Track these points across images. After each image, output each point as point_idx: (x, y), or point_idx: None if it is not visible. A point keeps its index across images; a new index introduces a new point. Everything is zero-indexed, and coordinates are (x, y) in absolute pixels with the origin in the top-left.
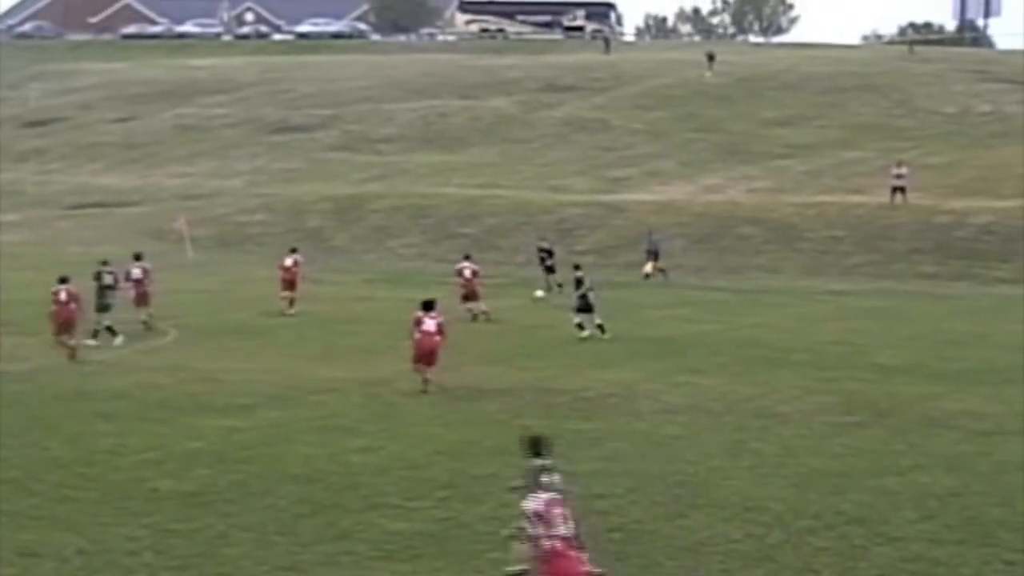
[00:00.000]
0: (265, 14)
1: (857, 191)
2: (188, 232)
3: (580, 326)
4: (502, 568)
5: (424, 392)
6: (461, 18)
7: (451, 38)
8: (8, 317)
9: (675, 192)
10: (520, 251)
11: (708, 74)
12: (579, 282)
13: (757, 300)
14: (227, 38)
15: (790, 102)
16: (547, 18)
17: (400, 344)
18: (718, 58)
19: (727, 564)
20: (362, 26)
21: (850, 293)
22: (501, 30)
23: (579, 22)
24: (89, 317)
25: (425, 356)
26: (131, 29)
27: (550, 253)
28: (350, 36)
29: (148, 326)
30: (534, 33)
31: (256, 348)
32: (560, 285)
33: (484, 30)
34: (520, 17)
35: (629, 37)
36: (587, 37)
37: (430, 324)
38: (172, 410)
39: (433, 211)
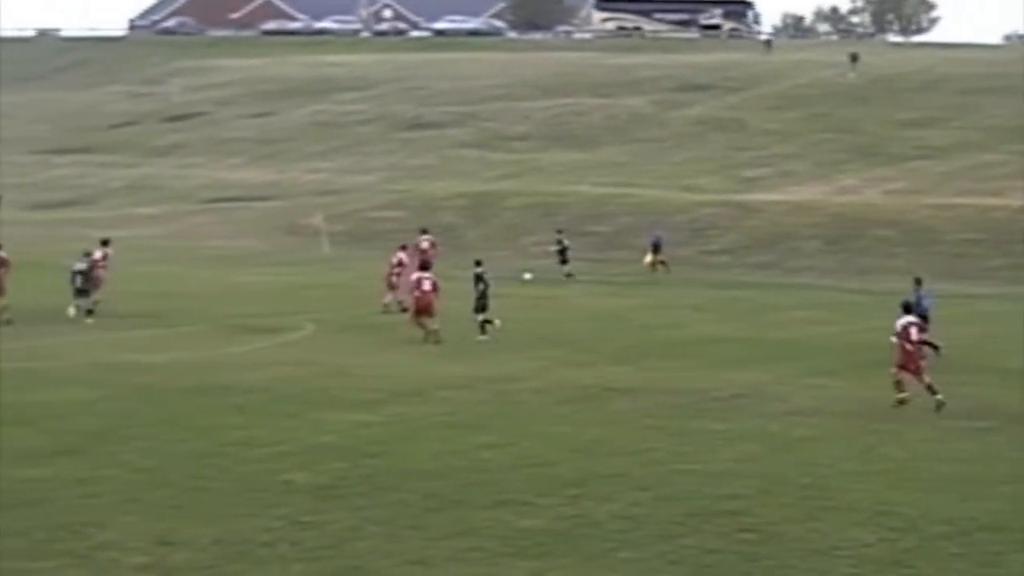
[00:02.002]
0: (403, 11)
1: (995, 194)
2: (325, 228)
3: (485, 323)
4: (634, 568)
5: (426, 342)
6: (597, 16)
7: (587, 36)
8: (146, 309)
9: (809, 193)
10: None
11: (852, 75)
12: (479, 279)
13: (889, 303)
14: (365, 35)
15: (927, 103)
16: (684, 16)
17: (530, 342)
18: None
19: (859, 569)
20: (499, 23)
21: (985, 297)
22: (638, 28)
23: (716, 20)
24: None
25: (425, 310)
26: (271, 25)
27: (562, 244)
28: (486, 33)
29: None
30: (670, 31)
31: (386, 343)
32: (570, 275)
33: (621, 28)
34: (657, 15)
35: (765, 36)
36: (724, 36)
37: (427, 283)
38: (304, 404)
39: (565, 209)
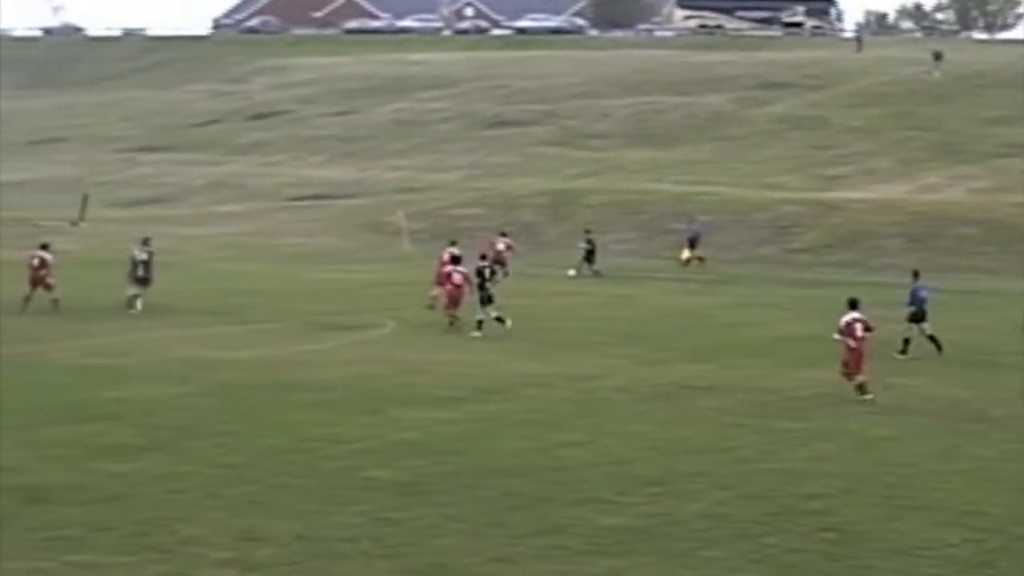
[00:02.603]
0: (485, 9)
1: None
2: (406, 225)
3: (497, 319)
4: (716, 566)
5: (451, 327)
6: (679, 14)
7: (668, 34)
8: (227, 306)
9: (892, 191)
10: (733, 248)
11: (936, 73)
12: (484, 273)
13: (972, 302)
14: (447, 33)
15: (1011, 101)
16: (766, 14)
17: (611, 340)
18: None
19: (943, 570)
20: (580, 21)
21: None
22: (719, 26)
23: (798, 18)
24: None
25: (455, 302)
26: (353, 24)
27: (591, 243)
28: (568, 32)
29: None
30: (752, 29)
31: (466, 341)
32: (598, 272)
33: (702, 26)
34: (739, 13)
35: (848, 33)
36: (806, 34)
37: (458, 277)
38: (385, 401)
39: (646, 207)
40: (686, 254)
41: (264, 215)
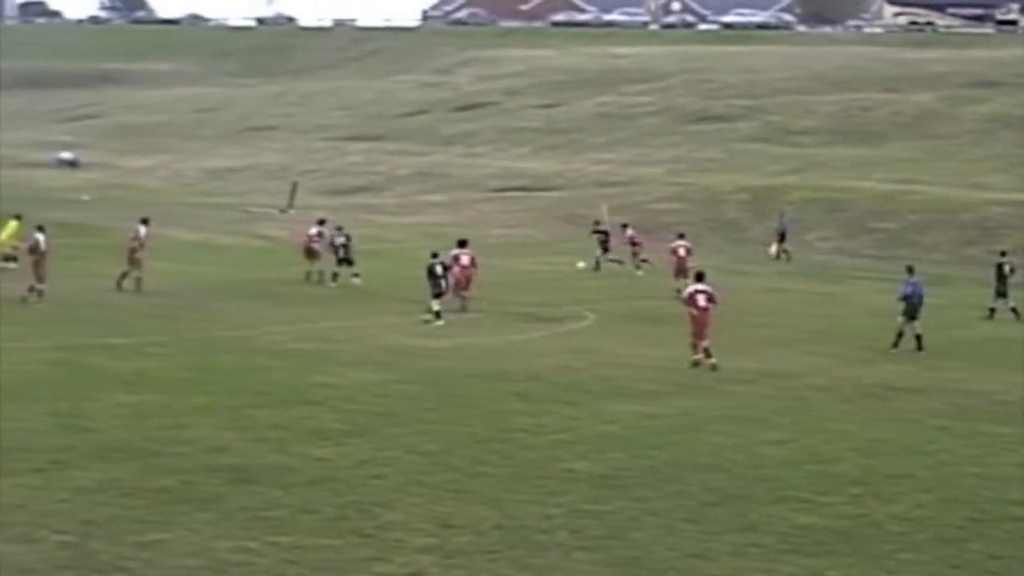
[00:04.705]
0: (691, 4)
1: None
2: (608, 218)
3: (438, 314)
4: (915, 570)
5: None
6: (889, 10)
7: (877, 30)
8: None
9: None
10: (939, 249)
11: None
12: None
13: None
14: (653, 27)
15: None
16: (979, 11)
17: (814, 338)
18: None
19: None
20: (787, 17)
21: None
22: (930, 23)
23: (1013, 15)
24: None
25: (464, 284)
26: (560, 17)
27: (606, 235)
28: (775, 27)
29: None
30: (964, 26)
31: (667, 335)
32: (620, 261)
33: (912, 22)
34: (950, 9)
35: None
36: (1020, 31)
37: (465, 259)
38: (586, 393)
39: (850, 205)
40: (774, 248)
41: (468, 205)
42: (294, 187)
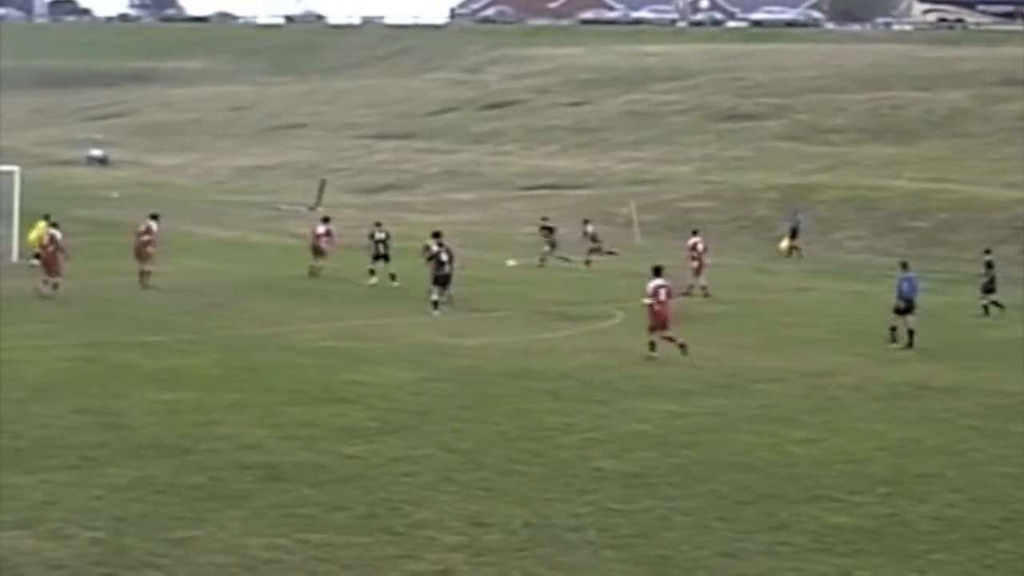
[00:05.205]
0: (720, 1)
1: None
2: (637, 217)
3: (436, 303)
4: (947, 570)
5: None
6: (919, 7)
7: (907, 28)
8: (461, 293)
9: None
10: (969, 248)
11: None
12: (434, 255)
13: None
14: (682, 25)
15: None
16: (1009, 8)
17: (845, 337)
18: None
19: None
20: (816, 14)
21: None
22: (960, 20)
23: None
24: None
25: (444, 279)
26: (588, 15)
27: (551, 230)
28: (804, 24)
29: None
30: (994, 23)
31: (698, 335)
32: (568, 259)
33: (942, 20)
34: (981, 7)
35: None
36: None
37: (443, 255)
38: (615, 392)
39: (881, 204)
40: (785, 243)
41: (497, 204)
42: (322, 185)
